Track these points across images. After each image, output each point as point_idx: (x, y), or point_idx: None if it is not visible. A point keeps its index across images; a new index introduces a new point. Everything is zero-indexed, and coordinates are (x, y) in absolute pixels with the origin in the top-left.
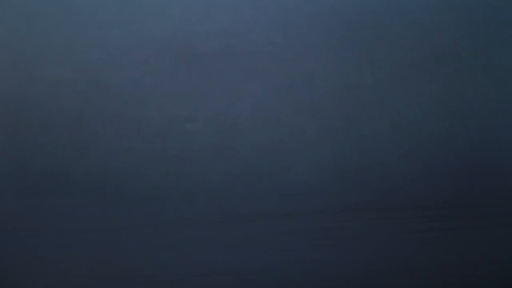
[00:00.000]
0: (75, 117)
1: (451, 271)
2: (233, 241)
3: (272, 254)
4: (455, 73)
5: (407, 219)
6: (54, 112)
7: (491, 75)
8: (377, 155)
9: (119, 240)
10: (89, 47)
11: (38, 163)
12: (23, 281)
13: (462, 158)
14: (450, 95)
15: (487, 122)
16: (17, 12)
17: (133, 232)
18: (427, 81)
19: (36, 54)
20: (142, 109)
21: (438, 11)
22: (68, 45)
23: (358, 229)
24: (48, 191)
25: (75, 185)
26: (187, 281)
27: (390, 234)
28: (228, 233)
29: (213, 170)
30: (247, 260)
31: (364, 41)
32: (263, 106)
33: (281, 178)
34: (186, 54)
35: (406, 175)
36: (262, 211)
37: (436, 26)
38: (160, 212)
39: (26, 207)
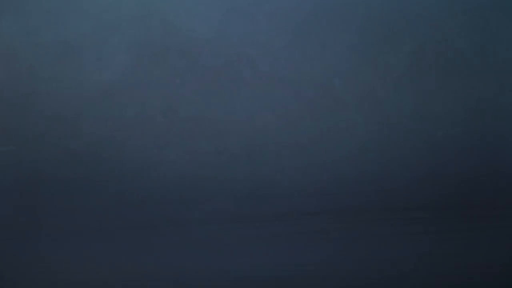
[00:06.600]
0: (76, 118)
1: (451, 273)
2: (248, 242)
3: (284, 255)
4: (456, 74)
5: (412, 220)
6: (54, 112)
7: (494, 75)
8: (377, 157)
9: (127, 242)
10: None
11: (41, 162)
12: (23, 281)
13: (463, 159)
14: (450, 96)
15: (488, 122)
16: (17, 10)
17: (147, 233)
18: (426, 82)
19: (38, 53)
20: (142, 111)
21: (440, 9)
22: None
23: (361, 230)
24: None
25: (76, 185)
26: (198, 282)
27: (390, 235)
28: (243, 233)
29: (231, 171)
30: (261, 261)
31: (365, 44)
32: (278, 107)
33: (285, 179)
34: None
35: (408, 176)
36: (270, 212)
37: (439, 26)
38: (176, 212)
39: (29, 207)
